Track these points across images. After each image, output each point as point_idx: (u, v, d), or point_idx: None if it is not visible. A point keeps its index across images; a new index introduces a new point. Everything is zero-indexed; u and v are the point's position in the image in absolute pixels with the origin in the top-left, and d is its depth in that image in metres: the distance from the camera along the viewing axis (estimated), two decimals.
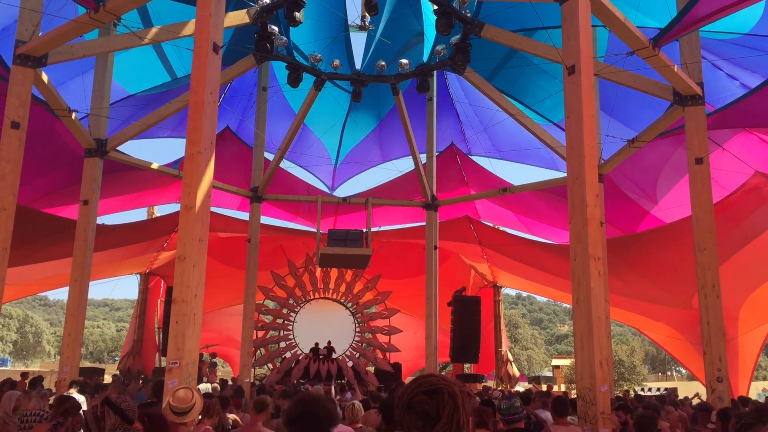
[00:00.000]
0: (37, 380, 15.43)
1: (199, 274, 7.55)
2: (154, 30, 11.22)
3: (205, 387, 15.59)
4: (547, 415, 9.70)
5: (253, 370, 22.82)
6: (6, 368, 43.49)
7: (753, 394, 21.82)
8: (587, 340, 7.60)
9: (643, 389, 30.91)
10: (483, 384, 22.19)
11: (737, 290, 16.39)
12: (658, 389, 29.13)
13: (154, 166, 15.80)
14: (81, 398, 11.29)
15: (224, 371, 37.78)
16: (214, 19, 8.00)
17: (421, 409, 1.86)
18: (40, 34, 10.08)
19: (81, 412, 5.27)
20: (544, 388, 21.46)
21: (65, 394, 10.65)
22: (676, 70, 10.50)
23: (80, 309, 12.97)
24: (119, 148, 14.95)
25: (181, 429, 5.02)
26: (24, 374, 15.38)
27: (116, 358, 52.88)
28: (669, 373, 75.27)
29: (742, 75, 13.82)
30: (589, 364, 7.53)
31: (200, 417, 5.80)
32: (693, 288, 11.60)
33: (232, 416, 9.57)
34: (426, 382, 1.92)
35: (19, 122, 9.65)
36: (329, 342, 21.95)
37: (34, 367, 54.84)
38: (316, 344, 21.79)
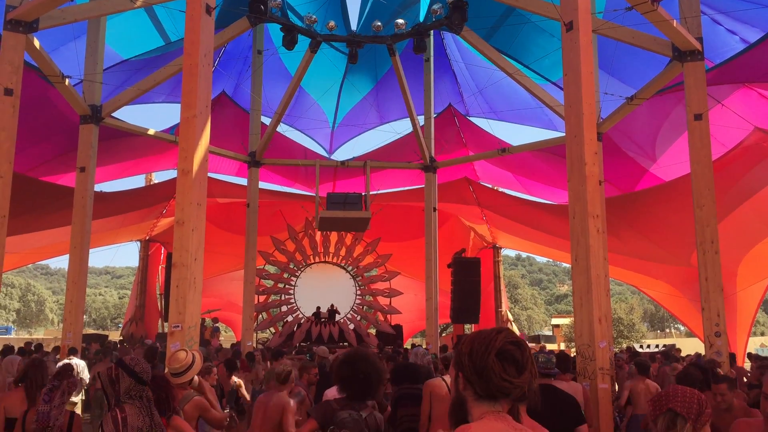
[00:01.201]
0: (38, 347, 15.62)
1: (198, 238, 7.55)
2: None
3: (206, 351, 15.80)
4: None
5: (255, 334, 23.04)
6: (10, 336, 43.83)
7: (751, 350, 22.04)
8: (586, 297, 7.63)
9: (641, 346, 31.21)
10: None
11: (736, 247, 16.45)
12: (657, 346, 29.42)
13: (151, 131, 15.72)
14: (81, 363, 11.42)
15: (227, 336, 38.14)
16: None
17: (512, 357, 1.98)
18: None
19: (75, 373, 5.31)
20: (547, 347, 21.67)
21: (66, 360, 10.77)
22: (674, 25, 10.36)
23: (81, 276, 13.01)
24: (115, 114, 14.85)
25: (181, 391, 5.07)
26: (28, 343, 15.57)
27: (119, 325, 53.28)
28: (668, 330, 75.99)
29: (741, 30, 13.65)
30: (588, 321, 7.58)
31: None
32: (692, 245, 11.62)
33: (238, 380, 9.70)
34: (509, 333, 2.05)
35: (12, 89, 9.55)
36: (332, 305, 22.09)
37: (38, 335, 55.30)
38: (318, 308, 21.93)
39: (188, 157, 7.54)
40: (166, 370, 5.14)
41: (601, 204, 12.90)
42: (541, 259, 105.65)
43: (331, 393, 5.20)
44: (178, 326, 7.28)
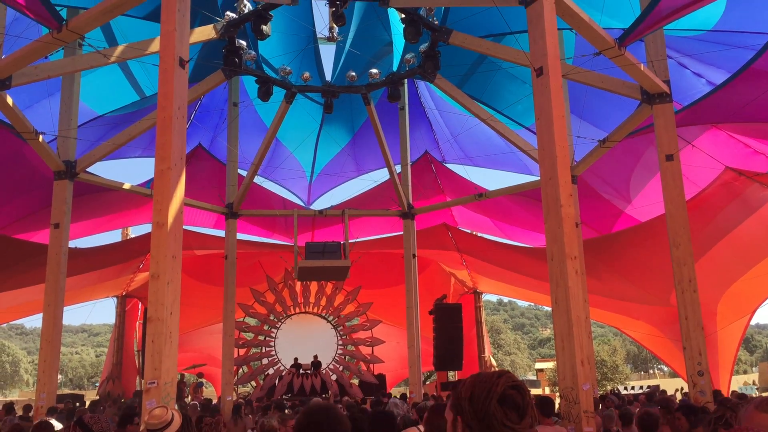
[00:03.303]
0: (10, 407, 15.14)
1: (174, 292, 7.43)
2: (119, 48, 11.10)
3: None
4: None
5: (236, 388, 22.62)
6: None
7: (735, 388, 22.02)
8: (567, 339, 7.59)
9: (626, 388, 31.06)
10: None
11: (714, 285, 16.57)
12: (641, 387, 29.29)
13: (127, 186, 15.61)
14: (59, 426, 11.06)
15: (208, 391, 37.35)
16: (179, 34, 7.92)
17: (514, 402, 1.97)
18: (2, 56, 9.92)
19: None
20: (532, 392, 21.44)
21: (44, 419, 10.43)
22: (642, 68, 10.60)
23: (55, 335, 12.71)
24: (90, 169, 14.76)
25: None
26: None
27: (96, 384, 52.04)
28: (651, 371, 75.83)
29: (707, 72, 14.00)
30: (571, 364, 7.52)
31: None
32: (670, 285, 11.69)
33: None
34: (510, 376, 2.05)
35: None
36: (315, 356, 21.82)
37: (13, 396, 53.80)
38: (296, 359, 21.62)
39: (163, 210, 7.47)
40: (143, 428, 4.99)
41: (579, 245, 13.04)
42: (522, 304, 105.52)
43: None
44: (154, 382, 7.10)
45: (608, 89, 11.67)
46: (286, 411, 11.43)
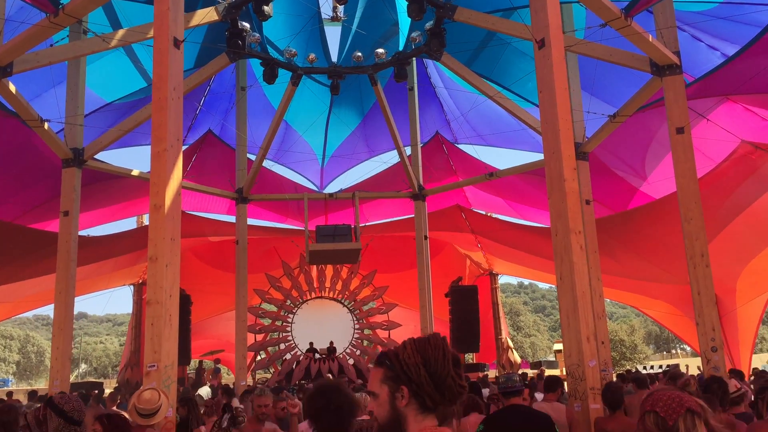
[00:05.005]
0: (33, 395, 15.33)
1: (173, 274, 7.37)
2: (120, 32, 11.04)
3: (206, 391, 15.53)
4: (538, 394, 9.60)
5: (254, 373, 22.73)
6: (6, 388, 43.25)
7: (759, 366, 21.70)
8: (573, 316, 7.46)
9: (645, 367, 30.77)
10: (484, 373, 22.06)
11: (732, 262, 16.27)
12: (660, 367, 29.01)
13: (135, 172, 15.64)
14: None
15: (229, 378, 37.65)
16: (173, 14, 7.83)
17: (458, 360, 2.01)
18: (2, 42, 9.90)
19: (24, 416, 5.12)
20: (547, 372, 21.32)
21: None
22: (650, 39, 10.34)
23: (67, 322, 12.77)
24: (103, 158, 14.79)
25: (147, 431, 4.86)
26: (9, 393, 15.25)
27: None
28: (673, 351, 75.19)
29: (722, 46, 13.67)
30: (576, 340, 7.39)
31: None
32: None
33: None
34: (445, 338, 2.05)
35: None
36: (331, 342, 21.84)
37: (39, 385, 54.69)
38: (311, 344, 21.65)
39: (160, 192, 7.40)
40: (131, 406, 4.94)
41: (591, 222, 12.84)
42: (543, 286, 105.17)
43: (303, 428, 5.00)
44: (155, 366, 7.06)
45: (616, 62, 11.42)
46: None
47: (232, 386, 18.85)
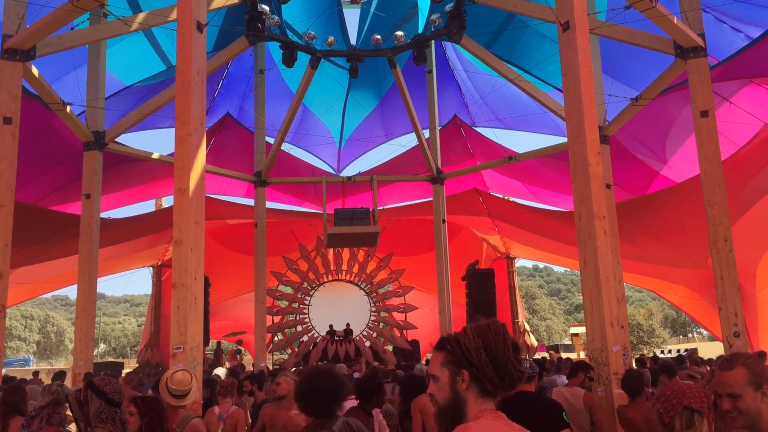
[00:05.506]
0: (58, 375, 15.54)
1: (198, 258, 7.43)
2: (141, 15, 11.06)
3: (222, 371, 15.66)
4: (562, 379, 9.61)
5: (271, 355, 22.93)
6: (29, 368, 43.91)
7: None
8: (596, 301, 7.44)
9: (662, 352, 30.69)
10: None
11: (753, 247, 16.12)
12: (678, 351, 28.94)
13: (156, 155, 15.71)
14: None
15: (246, 359, 37.99)
16: None
17: (518, 346, 2.07)
18: (26, 26, 9.94)
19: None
20: (563, 356, 21.35)
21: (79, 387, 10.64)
22: (675, 21, 10.21)
23: (89, 303, 12.94)
24: (124, 142, 14.86)
25: (179, 412, 4.92)
26: (35, 373, 15.45)
27: (137, 352, 53.32)
28: (690, 335, 74.90)
29: (746, 29, 13.47)
30: (600, 325, 7.38)
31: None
32: (707, 247, 11.37)
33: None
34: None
35: (11, 117, 9.53)
36: (348, 324, 21.96)
37: (59, 365, 55.45)
38: (331, 326, 21.78)
39: (184, 176, 7.44)
40: (162, 386, 4.99)
41: (612, 206, 12.75)
42: (558, 269, 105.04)
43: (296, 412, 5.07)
44: (181, 348, 7.15)
45: (640, 44, 11.27)
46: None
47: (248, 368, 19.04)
